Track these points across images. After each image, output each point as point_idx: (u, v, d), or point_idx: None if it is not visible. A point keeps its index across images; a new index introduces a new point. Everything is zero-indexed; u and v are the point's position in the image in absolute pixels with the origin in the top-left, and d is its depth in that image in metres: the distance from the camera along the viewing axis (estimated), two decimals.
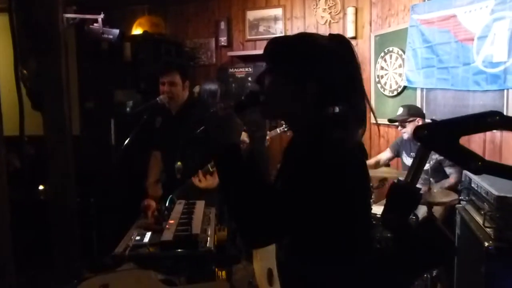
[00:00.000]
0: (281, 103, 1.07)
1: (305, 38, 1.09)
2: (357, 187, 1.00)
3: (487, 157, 2.75)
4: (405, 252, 0.87)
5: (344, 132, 1.02)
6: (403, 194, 0.87)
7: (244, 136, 1.22)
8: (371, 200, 2.65)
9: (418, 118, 3.01)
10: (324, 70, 1.04)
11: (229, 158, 1.02)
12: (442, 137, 0.84)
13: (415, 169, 0.88)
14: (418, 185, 2.86)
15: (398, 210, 0.86)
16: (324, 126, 1.03)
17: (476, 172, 0.82)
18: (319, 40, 1.08)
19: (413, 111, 3.05)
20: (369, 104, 1.10)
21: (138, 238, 1.75)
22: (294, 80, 1.05)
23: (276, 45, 1.09)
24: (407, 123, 3.03)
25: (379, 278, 0.95)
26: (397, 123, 3.09)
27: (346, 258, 1.00)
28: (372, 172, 3.26)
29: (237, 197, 0.98)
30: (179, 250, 1.62)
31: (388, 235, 2.57)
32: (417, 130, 0.87)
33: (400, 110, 3.09)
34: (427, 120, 3.10)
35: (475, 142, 2.85)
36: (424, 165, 0.89)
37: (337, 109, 1.07)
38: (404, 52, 3.54)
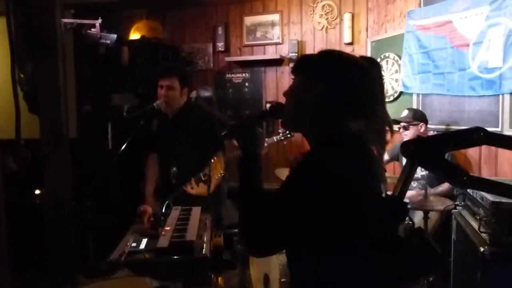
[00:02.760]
0: (302, 116, 1.10)
1: (332, 55, 1.12)
2: (357, 205, 0.97)
3: (482, 162, 2.76)
4: (393, 262, 0.89)
5: (360, 151, 1.04)
6: (391, 208, 0.89)
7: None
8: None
9: (421, 123, 3.02)
10: (348, 87, 1.06)
11: (250, 167, 1.10)
12: (429, 153, 0.86)
13: (403, 183, 0.90)
14: (414, 191, 2.87)
15: (387, 223, 0.88)
16: (340, 143, 1.04)
17: (461, 186, 0.86)
18: (346, 57, 1.10)
19: (418, 116, 3.05)
20: (391, 127, 1.12)
21: (134, 244, 1.74)
22: (305, 80, 1.08)
23: (305, 60, 1.14)
24: (410, 126, 3.03)
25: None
26: (399, 125, 3.09)
27: (342, 265, 0.99)
28: None
29: (246, 204, 1.05)
30: (175, 256, 1.61)
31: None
32: (404, 145, 0.89)
33: (405, 112, 3.09)
34: (429, 126, 3.12)
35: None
36: (411, 179, 0.91)
37: (355, 127, 1.07)
38: (400, 57, 3.56)
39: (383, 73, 3.75)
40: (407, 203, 0.91)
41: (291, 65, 4.20)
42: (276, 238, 0.99)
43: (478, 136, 0.86)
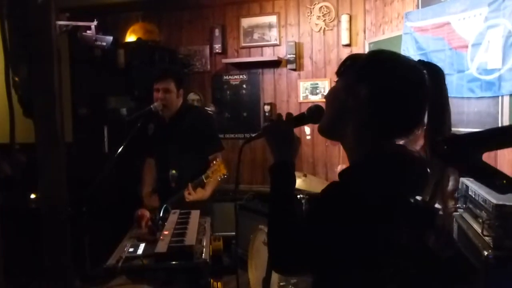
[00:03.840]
0: (341, 124, 0.96)
1: (380, 52, 0.98)
2: (386, 243, 0.86)
3: None
4: (425, 275, 0.82)
5: (397, 173, 0.89)
6: (419, 215, 0.80)
7: None
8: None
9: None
10: (396, 98, 0.90)
11: (283, 176, 1.01)
12: (464, 153, 0.75)
13: (434, 187, 0.81)
14: None
15: (416, 232, 0.80)
16: (377, 162, 0.91)
17: (501, 192, 0.74)
18: (400, 62, 0.94)
19: None
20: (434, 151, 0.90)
21: (131, 249, 1.70)
22: (348, 84, 0.95)
23: (351, 60, 0.98)
24: None
25: None
26: None
27: None
28: None
29: (278, 219, 0.97)
30: (174, 262, 1.58)
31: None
32: (436, 144, 0.80)
33: None
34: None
35: None
36: (443, 183, 0.82)
37: (395, 145, 0.94)
38: None
39: None
40: (437, 209, 0.83)
41: (289, 66, 4.19)
42: (303, 261, 0.91)
43: None
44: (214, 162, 2.19)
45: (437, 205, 0.88)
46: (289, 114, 1.09)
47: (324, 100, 1.04)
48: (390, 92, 0.90)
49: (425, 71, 0.91)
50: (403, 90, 0.90)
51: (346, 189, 0.88)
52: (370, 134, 0.93)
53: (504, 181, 0.74)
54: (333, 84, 1.04)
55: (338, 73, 1.00)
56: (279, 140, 1.04)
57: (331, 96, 1.00)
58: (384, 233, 0.85)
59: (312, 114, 1.07)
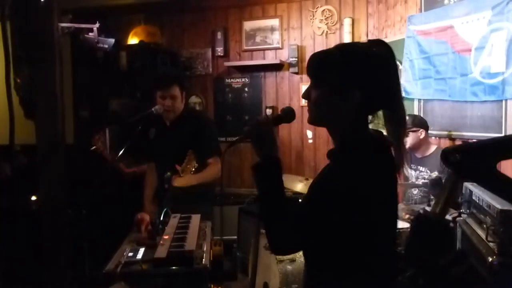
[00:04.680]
0: (327, 113, 1.12)
1: (345, 48, 1.13)
2: (385, 200, 1.06)
3: None
4: None
5: (383, 141, 1.10)
6: (431, 229, 0.77)
7: None
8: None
9: (421, 129, 2.96)
10: (367, 76, 1.06)
11: (272, 170, 1.11)
12: (477, 163, 0.72)
13: (445, 199, 0.77)
14: (416, 198, 2.80)
15: (427, 247, 0.75)
16: (366, 134, 1.10)
17: None
18: (358, 47, 1.12)
19: (418, 121, 2.99)
20: (405, 120, 1.12)
21: (130, 254, 1.68)
22: (338, 90, 1.07)
23: (317, 59, 1.11)
24: (410, 133, 2.98)
25: None
26: None
27: (365, 276, 1.04)
28: None
29: (270, 206, 1.08)
30: (174, 267, 1.56)
31: (399, 250, 2.53)
32: (448, 153, 0.76)
33: None
34: (429, 131, 3.07)
35: None
36: (455, 194, 0.79)
37: (378, 115, 1.11)
38: (401, 63, 3.53)
39: None
40: (449, 222, 0.79)
41: (291, 70, 4.17)
42: (303, 239, 1.04)
43: None
44: (188, 154, 2.16)
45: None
46: (267, 116, 1.27)
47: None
48: (373, 77, 1.06)
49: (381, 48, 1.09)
50: (370, 67, 1.06)
51: (345, 171, 1.02)
52: (355, 112, 1.08)
53: None
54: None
55: (312, 74, 1.13)
56: (263, 139, 1.15)
57: (315, 94, 1.11)
58: (378, 198, 1.03)
59: (287, 115, 1.23)
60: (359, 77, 1.05)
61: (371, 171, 1.02)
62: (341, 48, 1.12)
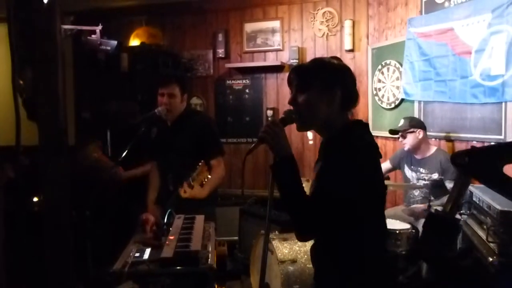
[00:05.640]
0: (317, 114, 1.32)
1: (320, 60, 1.39)
2: (376, 177, 1.28)
3: None
4: (443, 282, 0.83)
5: (364, 128, 1.35)
6: (442, 226, 0.84)
7: None
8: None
9: (419, 130, 3.00)
10: (343, 79, 1.33)
11: (290, 166, 1.26)
12: (485, 165, 0.79)
13: (455, 198, 0.85)
14: (417, 199, 2.83)
15: (437, 242, 0.82)
16: (349, 126, 1.33)
17: None
18: (331, 60, 1.37)
19: (415, 123, 3.04)
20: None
21: (137, 254, 1.70)
22: (325, 90, 1.31)
23: (303, 69, 1.37)
24: (408, 134, 3.02)
25: None
26: (398, 135, 3.09)
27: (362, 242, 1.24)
28: None
29: (293, 199, 1.23)
30: (180, 267, 1.58)
31: (400, 251, 2.56)
32: (457, 156, 0.84)
33: (402, 122, 3.09)
34: (429, 133, 3.10)
35: None
36: (464, 194, 0.85)
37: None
38: (401, 65, 3.56)
39: (384, 80, 3.79)
40: (459, 220, 0.86)
41: None
42: (325, 222, 1.21)
43: None
44: (199, 164, 2.18)
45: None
46: (274, 119, 1.37)
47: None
48: (347, 81, 1.34)
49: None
50: (352, 80, 1.36)
51: (344, 148, 1.23)
52: (339, 112, 1.33)
53: None
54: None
55: (298, 82, 1.33)
56: (277, 140, 1.28)
57: (310, 103, 1.32)
58: (379, 172, 1.30)
59: (290, 116, 1.36)
60: (339, 79, 1.32)
61: (367, 153, 1.25)
62: (317, 60, 1.40)
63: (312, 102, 1.31)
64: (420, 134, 2.99)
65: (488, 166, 0.79)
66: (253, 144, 1.35)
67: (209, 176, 2.21)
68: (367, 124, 1.41)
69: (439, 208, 0.84)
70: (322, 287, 1.38)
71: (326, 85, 1.30)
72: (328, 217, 1.20)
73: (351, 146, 1.24)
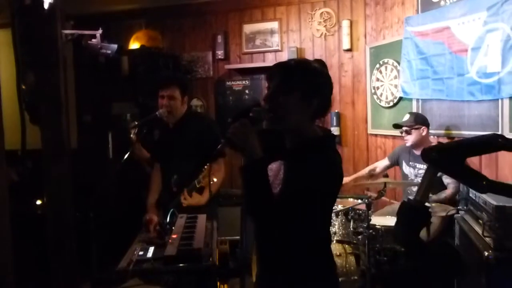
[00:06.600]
0: (291, 119, 1.30)
1: (307, 66, 1.34)
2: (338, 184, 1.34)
3: (483, 165, 2.76)
4: (418, 266, 0.92)
5: (333, 141, 1.42)
6: (412, 212, 0.93)
7: None
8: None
9: (423, 127, 3.00)
10: (323, 90, 1.33)
11: (261, 170, 1.21)
12: (450, 159, 0.90)
13: (425, 188, 0.93)
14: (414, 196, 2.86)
15: (408, 227, 0.93)
16: (320, 139, 1.34)
17: (481, 191, 0.89)
18: (316, 67, 1.34)
19: (420, 119, 3.03)
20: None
21: (141, 253, 1.74)
22: (306, 97, 1.29)
23: (285, 71, 1.32)
24: (412, 130, 3.02)
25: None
26: (401, 129, 3.09)
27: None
28: (372, 183, 3.29)
29: (261, 202, 1.22)
30: (183, 264, 1.61)
31: (390, 246, 2.59)
32: (427, 152, 0.93)
33: (407, 117, 3.08)
34: (431, 131, 3.12)
35: None
36: (432, 184, 0.96)
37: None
38: (399, 63, 3.60)
39: (382, 78, 3.83)
40: (428, 207, 0.95)
41: None
42: (288, 222, 1.23)
43: (496, 142, 0.90)
44: (205, 167, 2.21)
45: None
46: (244, 119, 1.29)
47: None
48: (326, 90, 1.34)
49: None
50: (331, 85, 1.36)
51: (318, 153, 1.26)
52: (310, 120, 1.33)
53: (485, 182, 0.87)
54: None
55: (284, 81, 1.29)
56: (246, 142, 1.21)
57: (289, 107, 1.29)
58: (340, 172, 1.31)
59: (261, 116, 1.30)
60: (320, 89, 1.30)
61: (329, 164, 1.28)
62: (303, 63, 1.35)
63: (291, 107, 1.28)
64: (424, 131, 3.00)
65: (453, 160, 0.90)
66: (217, 147, 1.30)
67: (215, 180, 2.25)
68: (335, 137, 1.51)
69: (411, 197, 0.95)
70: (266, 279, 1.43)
71: (307, 93, 1.28)
72: (292, 218, 1.22)
73: (323, 160, 1.26)
